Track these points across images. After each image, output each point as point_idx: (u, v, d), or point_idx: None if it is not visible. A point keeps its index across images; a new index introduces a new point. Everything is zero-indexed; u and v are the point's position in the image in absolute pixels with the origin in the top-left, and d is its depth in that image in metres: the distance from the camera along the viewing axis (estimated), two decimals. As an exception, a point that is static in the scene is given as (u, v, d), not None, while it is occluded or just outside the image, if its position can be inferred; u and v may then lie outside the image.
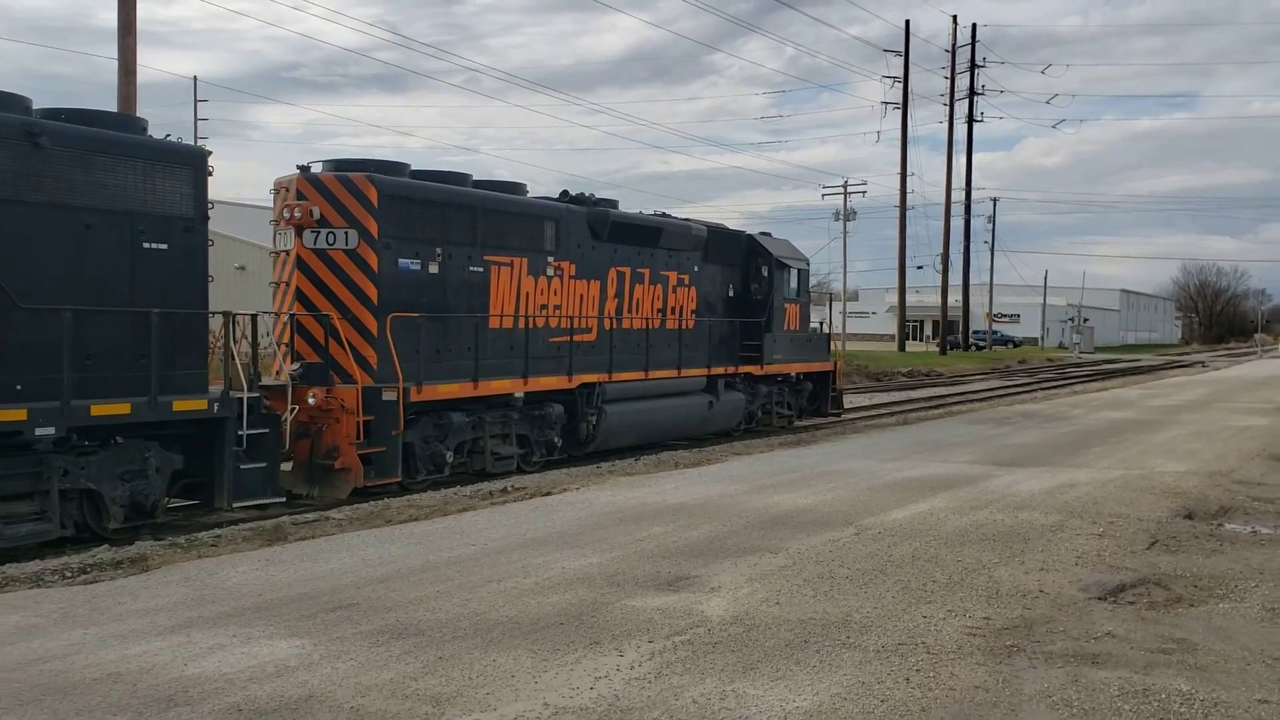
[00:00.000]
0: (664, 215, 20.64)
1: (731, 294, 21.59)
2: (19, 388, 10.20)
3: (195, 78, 60.57)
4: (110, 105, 19.40)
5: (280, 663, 6.14)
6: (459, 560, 8.96)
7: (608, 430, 17.62)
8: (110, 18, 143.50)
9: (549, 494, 12.91)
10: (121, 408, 10.82)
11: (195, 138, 51.86)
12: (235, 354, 12.06)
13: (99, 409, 10.59)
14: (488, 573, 8.48)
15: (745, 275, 21.89)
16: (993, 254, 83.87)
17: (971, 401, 31.43)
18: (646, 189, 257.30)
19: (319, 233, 14.19)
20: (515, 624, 6.99)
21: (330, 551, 9.33)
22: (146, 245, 11.39)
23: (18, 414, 10.01)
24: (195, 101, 57.45)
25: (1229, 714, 5.67)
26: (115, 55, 21.08)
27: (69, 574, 8.89)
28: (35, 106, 11.10)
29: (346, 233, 14.16)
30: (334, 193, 14.21)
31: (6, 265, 10.16)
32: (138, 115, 13.59)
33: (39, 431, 10.14)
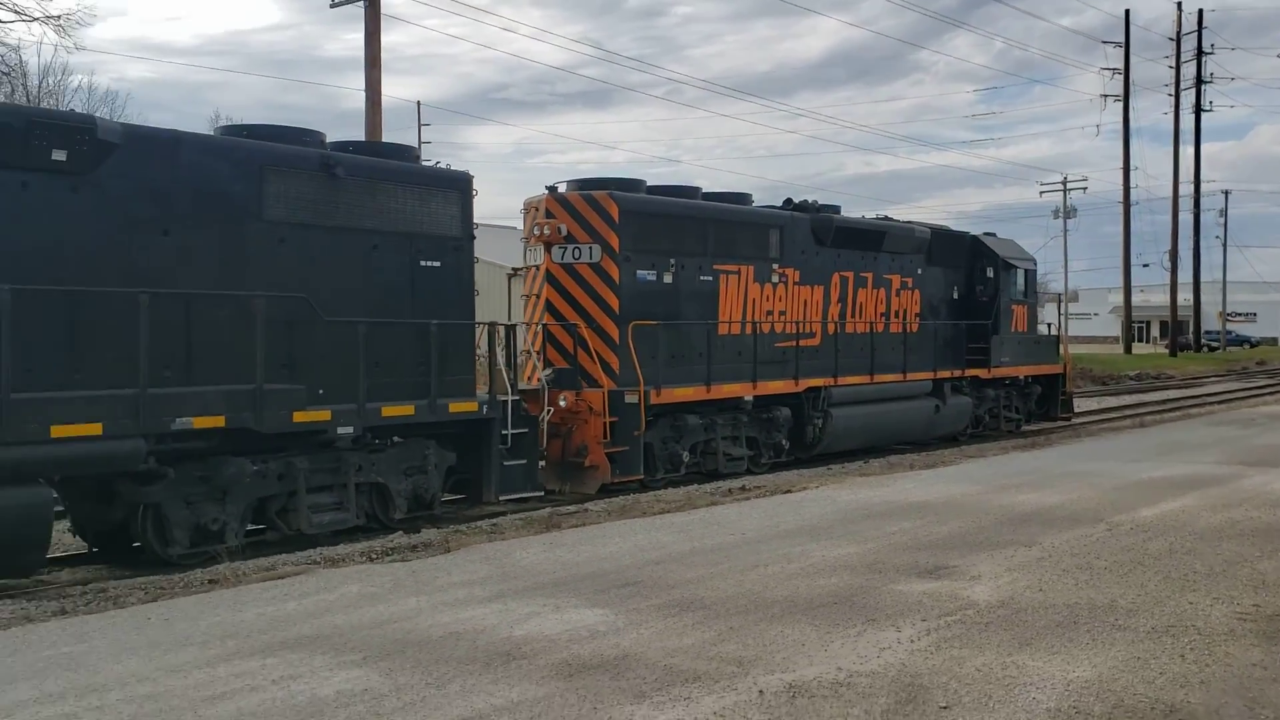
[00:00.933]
0: (886, 219, 20.86)
1: (956, 296, 21.56)
2: (321, 392, 11.48)
3: (419, 103, 64.14)
4: (344, 131, 21.16)
5: (591, 628, 6.91)
6: (721, 547, 9.61)
7: (833, 433, 17.97)
8: (334, 49, 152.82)
9: (789, 492, 13.43)
10: (407, 409, 12.00)
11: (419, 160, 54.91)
12: (500, 361, 13.14)
13: (389, 410, 11.79)
14: (751, 558, 9.09)
15: (970, 277, 21.82)
16: (1225, 249, 79.24)
17: (1209, 404, 30.08)
18: (848, 191, 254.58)
19: (566, 248, 15.24)
20: (791, 602, 7.55)
21: (604, 538, 10.16)
22: (424, 263, 12.59)
23: (323, 415, 11.28)
24: (419, 125, 60.76)
25: None
26: (340, 84, 22.98)
27: (374, 555, 9.99)
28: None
29: (591, 247, 15.14)
30: (579, 210, 15.22)
31: (312, 283, 11.47)
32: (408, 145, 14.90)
33: (340, 430, 11.40)
